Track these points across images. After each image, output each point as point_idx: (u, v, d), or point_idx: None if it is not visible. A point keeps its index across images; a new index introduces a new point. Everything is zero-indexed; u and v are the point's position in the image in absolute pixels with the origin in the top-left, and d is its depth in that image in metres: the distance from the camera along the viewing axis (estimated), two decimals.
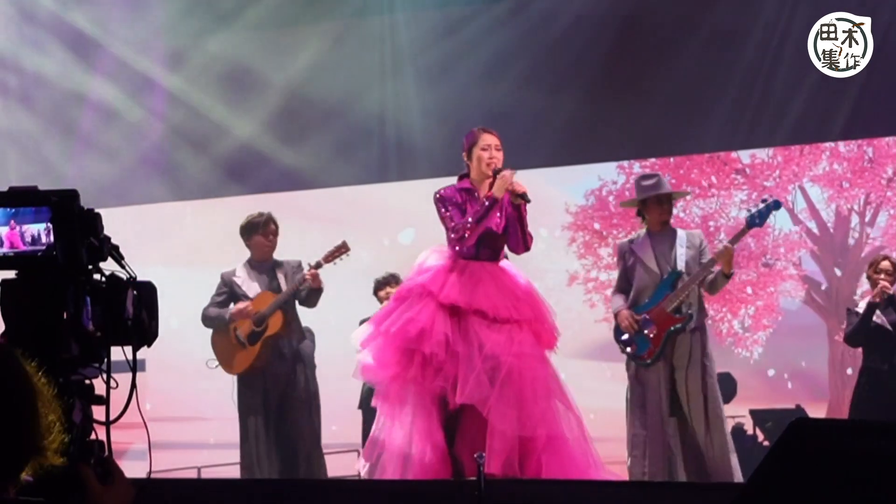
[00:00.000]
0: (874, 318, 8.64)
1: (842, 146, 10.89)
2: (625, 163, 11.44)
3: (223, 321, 8.76)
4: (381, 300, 9.09)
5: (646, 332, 7.68)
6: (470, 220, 6.77)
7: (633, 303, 7.82)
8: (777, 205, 7.95)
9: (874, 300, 8.65)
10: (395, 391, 6.77)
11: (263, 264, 8.81)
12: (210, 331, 8.89)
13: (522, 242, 6.91)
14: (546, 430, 6.68)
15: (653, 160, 11.33)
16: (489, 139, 6.93)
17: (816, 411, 10.25)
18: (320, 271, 8.58)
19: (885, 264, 8.78)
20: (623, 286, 7.94)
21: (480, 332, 6.69)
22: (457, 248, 6.86)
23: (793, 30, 10.15)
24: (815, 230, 11.07)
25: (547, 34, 10.90)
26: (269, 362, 8.65)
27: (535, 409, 6.69)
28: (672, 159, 11.27)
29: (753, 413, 10.35)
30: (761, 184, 11.07)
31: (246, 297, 8.74)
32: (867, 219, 10.95)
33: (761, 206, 7.85)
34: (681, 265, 7.71)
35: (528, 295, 6.91)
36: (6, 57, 11.85)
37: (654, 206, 7.83)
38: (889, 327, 8.62)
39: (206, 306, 8.86)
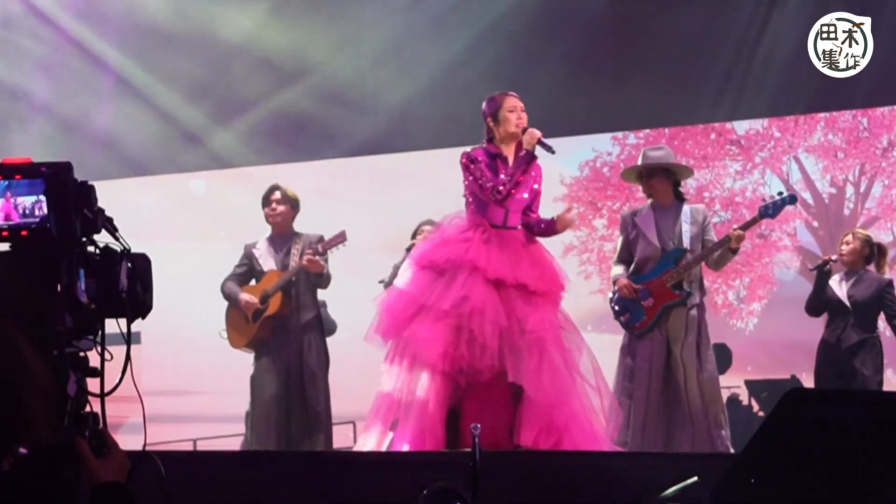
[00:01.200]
0: (836, 292, 8.66)
1: (837, 116, 10.89)
2: (619, 134, 11.42)
3: (235, 301, 8.83)
4: None
5: (643, 302, 7.71)
6: (510, 177, 6.79)
7: (634, 273, 7.84)
8: (792, 199, 8.05)
9: (825, 265, 8.68)
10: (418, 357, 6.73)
11: (282, 238, 8.87)
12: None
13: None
14: (570, 404, 6.71)
15: (647, 131, 11.32)
16: (514, 101, 6.99)
17: (811, 381, 10.26)
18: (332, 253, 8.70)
19: (848, 237, 8.83)
20: (624, 257, 7.96)
21: (520, 307, 6.71)
22: (497, 204, 6.84)
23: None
24: (810, 201, 11.06)
25: (539, 4, 10.87)
26: (270, 340, 8.72)
27: (566, 382, 6.73)
28: (667, 130, 11.25)
29: (749, 384, 10.38)
30: (756, 154, 11.06)
31: (261, 272, 8.84)
32: (862, 189, 10.95)
33: (776, 198, 7.87)
34: (686, 242, 7.72)
35: (551, 263, 6.95)
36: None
37: (661, 177, 7.85)
38: (846, 302, 8.63)
39: (226, 278, 8.93)
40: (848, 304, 8.59)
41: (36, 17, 11.80)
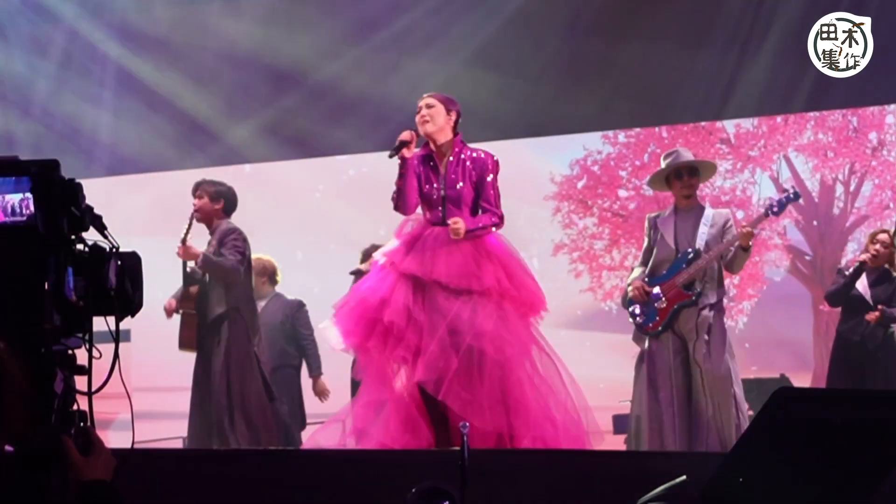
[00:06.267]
0: (858, 287, 8.67)
1: (827, 116, 10.90)
2: (609, 132, 11.42)
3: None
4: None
5: (655, 304, 7.75)
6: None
7: (650, 276, 7.88)
8: (797, 196, 8.12)
9: (864, 263, 8.67)
10: (362, 362, 6.84)
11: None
12: None
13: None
14: (531, 431, 6.71)
15: (637, 129, 11.33)
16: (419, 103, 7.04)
17: (801, 381, 10.28)
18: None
19: (883, 236, 8.83)
20: (646, 259, 8.00)
21: (444, 304, 6.69)
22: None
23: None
24: (800, 200, 11.07)
25: (530, 4, 10.87)
26: (193, 335, 8.67)
27: (550, 376, 6.76)
28: (657, 129, 11.26)
29: None
30: (746, 153, 11.07)
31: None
32: (852, 188, 10.97)
33: (782, 196, 7.92)
34: (699, 243, 7.74)
35: (502, 263, 6.89)
36: None
37: (675, 180, 7.90)
38: (869, 300, 8.65)
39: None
40: (871, 300, 8.62)
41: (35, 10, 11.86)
